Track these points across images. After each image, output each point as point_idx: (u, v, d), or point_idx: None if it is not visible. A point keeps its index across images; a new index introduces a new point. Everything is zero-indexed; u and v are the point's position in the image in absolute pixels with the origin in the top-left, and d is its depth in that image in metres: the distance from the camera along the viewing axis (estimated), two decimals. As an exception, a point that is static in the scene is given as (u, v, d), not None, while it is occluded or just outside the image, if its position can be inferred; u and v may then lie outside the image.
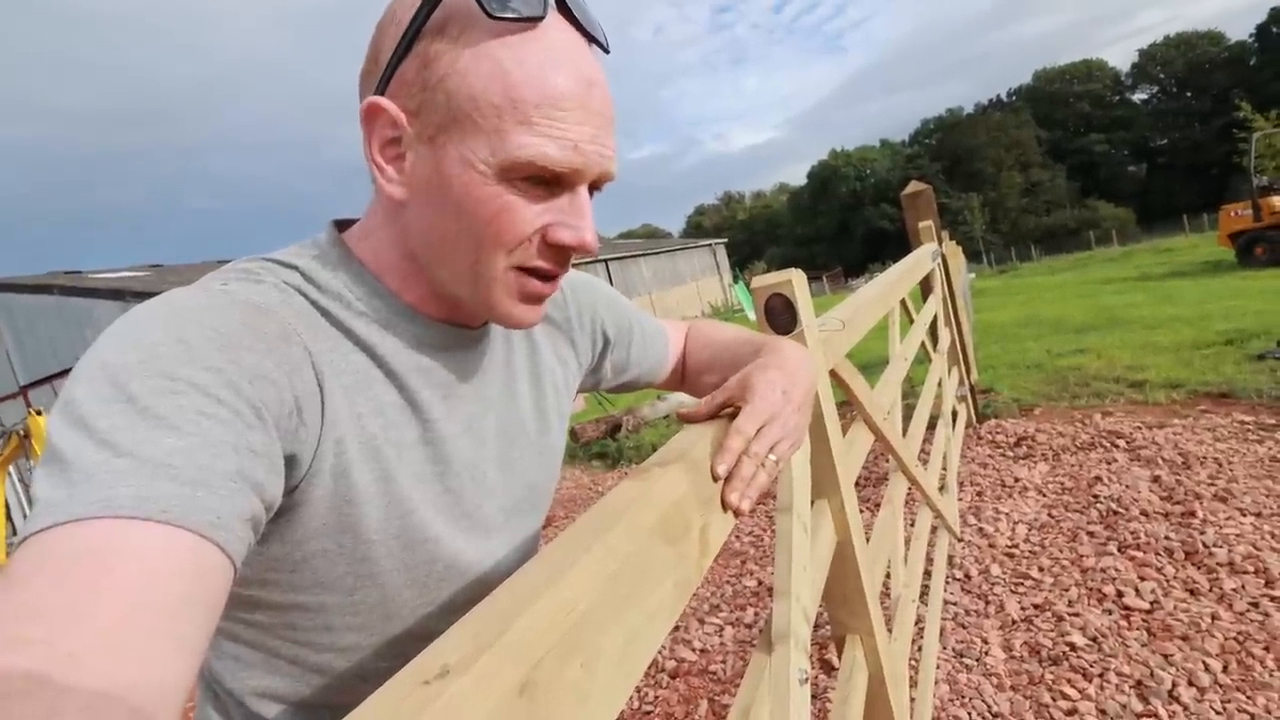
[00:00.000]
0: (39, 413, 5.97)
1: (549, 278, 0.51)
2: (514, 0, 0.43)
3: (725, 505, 0.56)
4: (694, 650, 2.48)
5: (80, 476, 0.32)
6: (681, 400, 6.83)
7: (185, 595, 0.31)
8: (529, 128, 0.44)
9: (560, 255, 0.49)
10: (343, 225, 0.55)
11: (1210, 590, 2.10)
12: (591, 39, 0.48)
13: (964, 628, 2.19)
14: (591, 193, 0.50)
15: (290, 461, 0.42)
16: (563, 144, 0.45)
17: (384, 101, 0.46)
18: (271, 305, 0.45)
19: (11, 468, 6.75)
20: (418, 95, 0.45)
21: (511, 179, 0.45)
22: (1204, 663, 1.78)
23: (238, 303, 0.43)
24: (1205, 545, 2.31)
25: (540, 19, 0.44)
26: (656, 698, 2.26)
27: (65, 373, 13.78)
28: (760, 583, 2.87)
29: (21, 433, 6.09)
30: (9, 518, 6.96)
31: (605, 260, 22.63)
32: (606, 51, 0.50)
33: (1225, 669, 1.76)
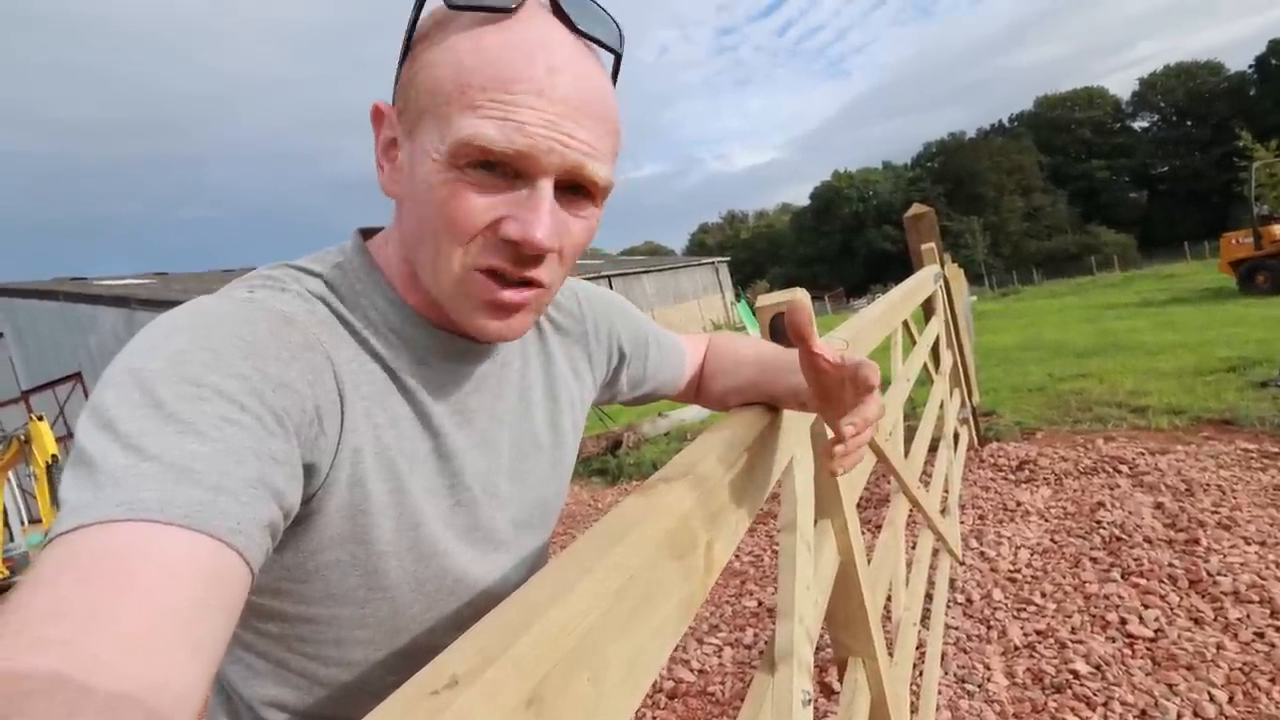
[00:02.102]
0: (40, 418, 5.97)
1: (514, 283, 0.47)
2: None
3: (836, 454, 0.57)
4: (692, 671, 2.45)
5: (107, 479, 0.32)
6: (682, 418, 6.81)
7: (204, 600, 0.31)
8: (473, 111, 0.42)
9: (516, 253, 0.45)
10: (369, 234, 0.55)
11: (1215, 619, 2.08)
12: (588, 37, 0.46)
13: (965, 653, 2.16)
14: (572, 191, 0.46)
15: (309, 470, 0.43)
16: (504, 125, 0.42)
17: (383, 104, 0.48)
18: (296, 314, 0.45)
19: (11, 474, 6.73)
20: (402, 94, 0.47)
21: (460, 165, 0.43)
22: (1209, 693, 1.76)
23: (263, 311, 0.43)
24: (1209, 573, 2.29)
25: (509, 11, 0.43)
26: (655, 718, 2.23)
27: (68, 379, 13.82)
28: (760, 603, 2.85)
29: (22, 438, 6.08)
30: (6, 524, 6.93)
31: (608, 276, 22.74)
32: (613, 52, 0.49)
33: (1231, 700, 1.74)
